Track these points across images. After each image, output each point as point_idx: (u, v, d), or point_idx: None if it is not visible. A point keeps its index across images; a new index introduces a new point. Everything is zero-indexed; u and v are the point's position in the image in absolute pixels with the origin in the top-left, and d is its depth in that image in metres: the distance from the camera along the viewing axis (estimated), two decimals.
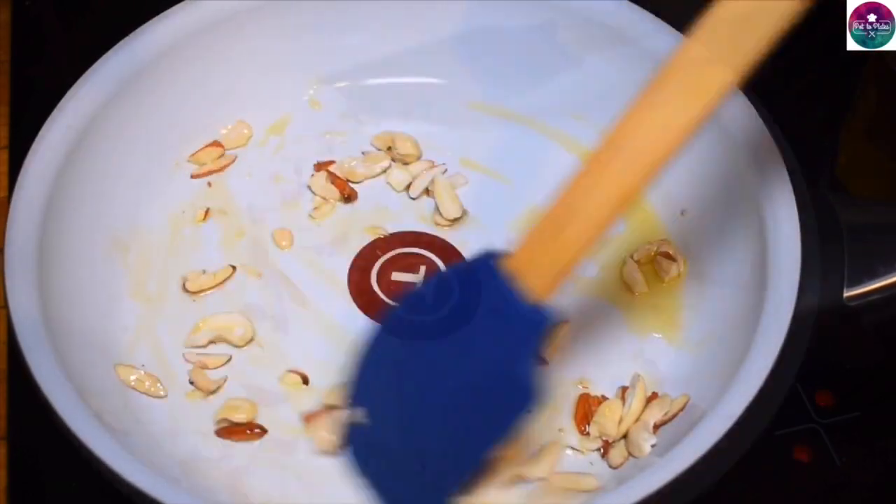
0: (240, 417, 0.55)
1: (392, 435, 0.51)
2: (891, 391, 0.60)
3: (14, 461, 0.56)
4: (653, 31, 0.63)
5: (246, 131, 0.66)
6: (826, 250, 0.55)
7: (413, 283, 0.60)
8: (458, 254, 0.62)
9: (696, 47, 0.42)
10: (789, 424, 0.58)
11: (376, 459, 0.51)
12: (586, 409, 0.55)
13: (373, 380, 0.51)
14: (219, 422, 0.55)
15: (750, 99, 0.59)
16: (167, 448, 0.54)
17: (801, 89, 0.74)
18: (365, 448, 0.51)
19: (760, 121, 0.58)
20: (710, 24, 0.41)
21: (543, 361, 0.52)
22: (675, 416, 0.54)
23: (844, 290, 0.55)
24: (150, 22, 0.62)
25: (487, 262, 0.46)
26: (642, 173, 0.42)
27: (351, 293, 0.60)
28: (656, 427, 0.54)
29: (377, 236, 0.63)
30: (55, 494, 0.56)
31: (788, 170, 0.56)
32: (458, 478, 0.49)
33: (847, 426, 0.58)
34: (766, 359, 0.50)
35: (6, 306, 0.52)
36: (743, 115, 0.58)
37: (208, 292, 0.60)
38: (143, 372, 0.56)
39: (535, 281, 0.44)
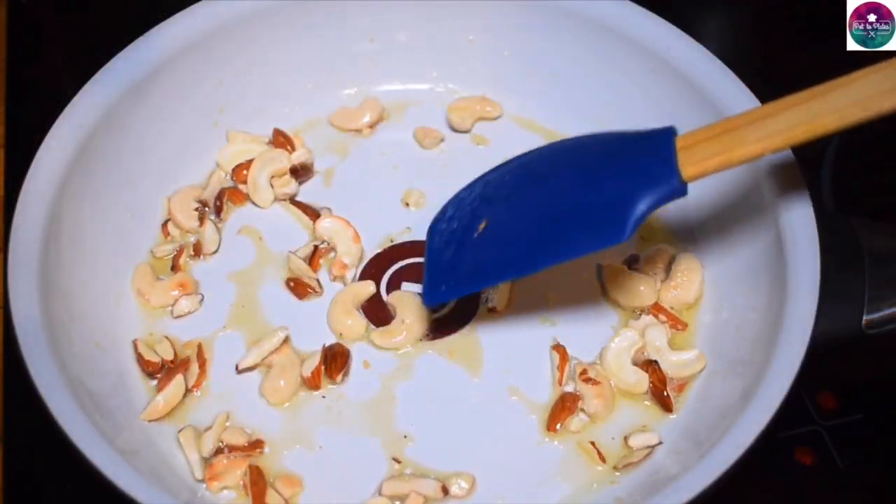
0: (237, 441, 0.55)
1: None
2: (893, 393, 0.60)
3: (10, 463, 0.55)
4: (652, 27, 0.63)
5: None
6: (846, 276, 0.55)
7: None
8: None
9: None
10: (792, 427, 0.58)
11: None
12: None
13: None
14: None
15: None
16: (166, 451, 0.54)
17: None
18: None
19: None
20: None
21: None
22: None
23: (864, 317, 0.54)
24: (161, 25, 0.62)
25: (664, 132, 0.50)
26: (818, 130, 0.47)
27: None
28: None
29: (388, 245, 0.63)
30: (51, 496, 0.56)
31: (810, 192, 0.55)
32: (511, 270, 0.53)
33: (850, 428, 0.58)
34: (780, 388, 0.50)
35: (6, 307, 0.52)
36: None
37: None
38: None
39: (693, 161, 0.48)
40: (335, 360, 0.57)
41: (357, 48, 0.67)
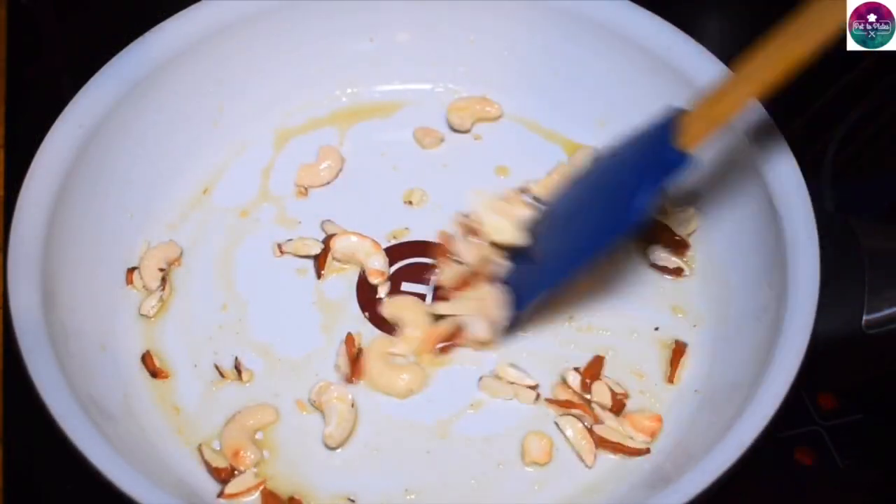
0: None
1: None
2: (893, 393, 0.60)
3: (10, 463, 0.55)
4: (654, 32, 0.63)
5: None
6: (846, 276, 0.55)
7: (423, 295, 0.60)
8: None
9: None
10: (792, 427, 0.58)
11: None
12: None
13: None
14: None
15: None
16: (165, 451, 0.54)
17: (800, 91, 0.73)
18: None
19: (783, 140, 0.57)
20: None
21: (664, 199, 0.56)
22: None
23: (864, 317, 0.54)
24: (161, 25, 0.62)
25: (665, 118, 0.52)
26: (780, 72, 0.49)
27: (359, 301, 0.60)
28: None
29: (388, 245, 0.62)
30: (51, 496, 0.56)
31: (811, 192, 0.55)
32: (556, 275, 0.56)
33: (850, 428, 0.58)
34: (780, 388, 0.50)
35: (6, 307, 0.52)
36: (765, 134, 0.58)
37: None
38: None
39: (688, 132, 0.50)
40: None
41: (357, 48, 0.67)
